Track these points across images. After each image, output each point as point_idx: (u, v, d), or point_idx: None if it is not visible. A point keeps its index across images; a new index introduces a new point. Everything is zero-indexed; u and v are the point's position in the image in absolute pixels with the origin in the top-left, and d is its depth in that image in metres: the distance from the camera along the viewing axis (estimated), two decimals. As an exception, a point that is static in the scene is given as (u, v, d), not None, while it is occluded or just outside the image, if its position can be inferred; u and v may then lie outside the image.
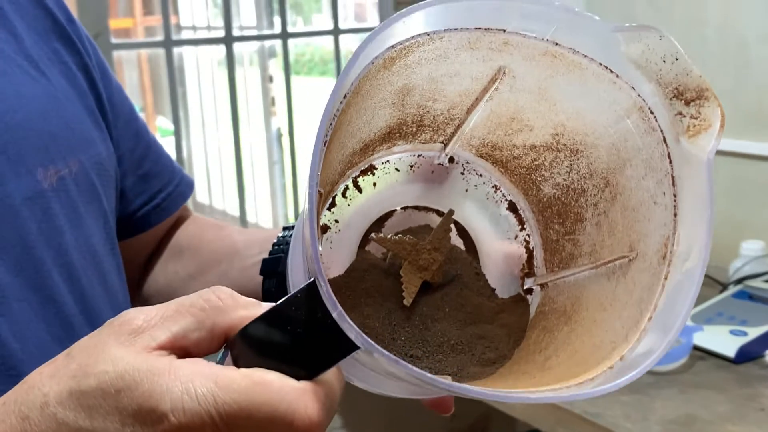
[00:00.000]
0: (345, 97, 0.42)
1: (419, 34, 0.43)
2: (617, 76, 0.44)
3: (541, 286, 0.49)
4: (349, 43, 2.56)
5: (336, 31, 2.45)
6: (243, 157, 2.36)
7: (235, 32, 2.27)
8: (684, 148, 0.42)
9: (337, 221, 0.49)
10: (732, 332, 1.36)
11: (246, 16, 3.35)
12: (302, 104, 2.51)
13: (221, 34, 2.26)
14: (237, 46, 2.32)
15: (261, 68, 3.30)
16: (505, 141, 0.48)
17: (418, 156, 0.49)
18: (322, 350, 0.39)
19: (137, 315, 0.40)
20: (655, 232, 0.43)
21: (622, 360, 0.39)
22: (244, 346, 0.40)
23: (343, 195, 0.49)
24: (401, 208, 0.50)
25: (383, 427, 2.16)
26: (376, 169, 0.49)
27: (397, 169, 0.50)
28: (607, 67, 0.44)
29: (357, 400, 2.07)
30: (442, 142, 0.49)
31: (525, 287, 0.49)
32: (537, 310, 0.48)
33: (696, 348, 1.35)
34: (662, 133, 0.43)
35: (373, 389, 0.48)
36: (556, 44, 0.44)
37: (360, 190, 0.49)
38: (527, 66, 0.45)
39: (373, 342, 0.37)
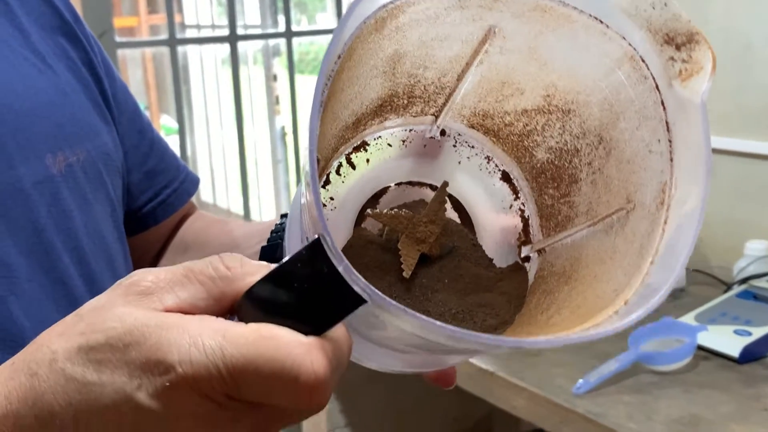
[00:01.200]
0: (339, 57, 0.41)
1: None
2: (607, 26, 0.44)
3: (538, 252, 0.49)
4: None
5: (340, 30, 2.46)
6: (247, 156, 2.37)
7: (240, 31, 2.27)
8: (677, 92, 0.42)
9: (332, 198, 0.49)
10: (736, 332, 1.36)
11: (250, 15, 3.35)
12: (306, 103, 2.51)
13: (225, 32, 2.26)
14: (241, 45, 2.32)
15: (265, 67, 3.30)
16: (496, 108, 0.48)
17: (410, 131, 0.49)
18: (329, 306, 0.39)
19: (145, 276, 0.40)
20: (651, 180, 0.43)
21: (626, 304, 0.39)
22: (250, 307, 0.40)
23: (337, 172, 0.49)
24: (395, 184, 0.50)
25: (387, 428, 2.16)
26: (368, 145, 0.49)
27: (390, 145, 0.50)
28: (596, 18, 0.44)
29: (361, 400, 2.08)
30: (433, 114, 0.49)
31: (522, 255, 0.49)
32: (536, 276, 0.49)
33: (700, 348, 1.35)
34: (654, 80, 0.43)
35: (371, 364, 0.47)
36: None
37: (353, 167, 0.49)
38: (517, 23, 0.45)
39: (380, 293, 0.36)
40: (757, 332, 1.34)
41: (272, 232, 0.71)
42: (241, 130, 2.32)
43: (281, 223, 0.71)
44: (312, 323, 0.38)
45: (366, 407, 2.13)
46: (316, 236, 0.38)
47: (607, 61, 0.44)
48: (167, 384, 0.36)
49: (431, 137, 0.49)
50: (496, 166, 0.50)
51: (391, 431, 2.17)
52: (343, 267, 0.36)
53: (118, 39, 2.03)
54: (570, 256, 0.47)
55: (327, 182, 0.48)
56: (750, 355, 1.32)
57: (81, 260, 0.65)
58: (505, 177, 0.50)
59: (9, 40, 0.67)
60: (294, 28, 2.38)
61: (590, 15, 0.44)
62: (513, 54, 0.46)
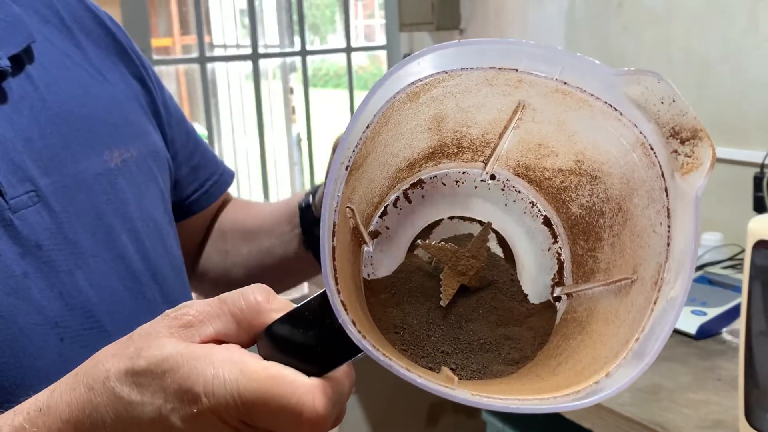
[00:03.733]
0: (368, 127, 0.41)
1: (438, 72, 0.43)
2: (621, 113, 0.43)
3: (568, 295, 0.47)
4: (359, 59, 2.56)
5: (348, 49, 2.45)
6: (267, 159, 2.37)
7: (261, 50, 2.27)
8: (678, 183, 0.41)
9: (387, 228, 0.48)
10: (693, 312, 1.36)
11: (270, 36, 3.35)
12: (319, 113, 2.52)
13: (248, 51, 2.26)
14: (262, 62, 2.32)
15: (283, 81, 3.30)
16: (536, 164, 0.47)
17: (463, 172, 0.48)
18: (331, 351, 0.39)
19: (188, 311, 0.41)
20: (652, 258, 0.42)
21: (607, 376, 0.39)
22: (267, 342, 0.41)
23: (394, 205, 0.48)
24: (448, 218, 0.48)
25: (391, 390, 2.16)
26: (424, 183, 0.48)
27: (444, 184, 0.49)
28: (611, 105, 0.43)
29: (365, 366, 2.08)
30: (482, 161, 0.48)
31: (554, 295, 0.48)
32: (561, 318, 0.47)
33: (662, 326, 1.35)
34: (661, 168, 0.42)
35: None
36: (565, 83, 0.43)
37: (409, 201, 0.48)
38: (543, 101, 0.44)
39: (370, 348, 0.37)
40: (712, 312, 1.35)
41: (304, 219, 0.76)
42: (262, 137, 2.33)
43: (306, 202, 0.77)
44: (317, 365, 0.39)
45: (375, 373, 2.13)
46: (324, 290, 0.38)
47: (623, 142, 0.43)
48: (195, 411, 0.38)
49: (482, 180, 0.48)
50: (539, 211, 0.48)
51: (401, 396, 2.17)
52: (342, 321, 0.37)
53: (155, 57, 2.04)
54: (588, 307, 0.46)
55: (384, 213, 0.48)
56: (705, 332, 1.33)
57: (137, 239, 0.66)
58: (546, 222, 0.48)
59: (71, 56, 0.69)
60: (308, 47, 2.38)
61: (605, 102, 0.43)
62: (544, 124, 0.45)
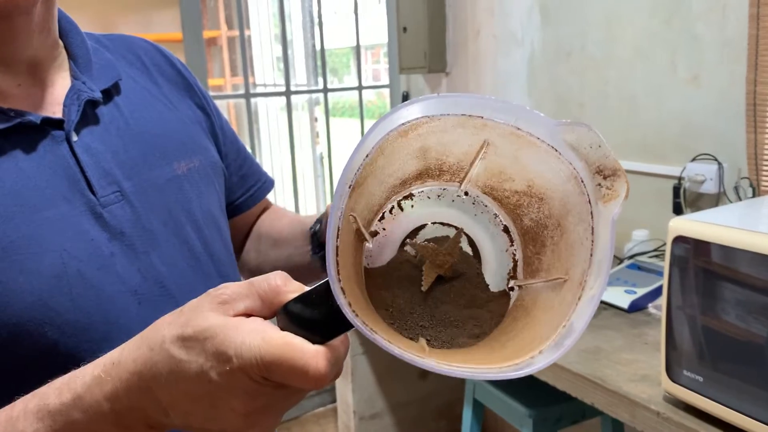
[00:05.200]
0: (367, 156, 0.42)
1: (422, 116, 0.44)
2: (560, 153, 0.43)
3: (519, 287, 0.48)
4: (368, 95, 2.56)
5: (360, 87, 2.45)
6: (297, 173, 2.37)
7: (293, 88, 2.27)
8: (600, 209, 0.42)
9: (384, 229, 0.48)
10: (626, 291, 1.36)
11: (300, 77, 3.35)
12: (337, 137, 2.51)
13: (283, 89, 2.26)
14: (294, 98, 2.32)
15: (309, 112, 3.30)
16: (498, 185, 0.48)
17: (444, 189, 0.49)
18: (331, 325, 0.40)
19: (225, 291, 0.41)
20: (579, 264, 0.42)
21: (540, 353, 0.40)
22: (284, 316, 0.41)
23: (390, 212, 0.48)
24: (432, 223, 0.49)
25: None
26: (414, 196, 0.49)
27: (429, 197, 0.49)
28: (553, 147, 0.44)
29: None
30: (458, 182, 0.49)
31: (509, 286, 0.48)
32: (513, 304, 0.48)
33: (601, 302, 1.35)
34: (588, 197, 0.42)
35: None
36: (518, 128, 0.44)
37: (402, 209, 0.49)
38: (502, 140, 0.45)
39: (359, 324, 0.38)
40: (640, 291, 1.34)
41: (316, 239, 0.75)
42: (293, 155, 2.33)
43: (315, 228, 0.75)
44: (321, 335, 0.40)
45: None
46: (326, 279, 0.39)
47: (561, 175, 0.44)
48: (227, 369, 0.38)
49: (458, 195, 0.49)
50: (500, 221, 0.49)
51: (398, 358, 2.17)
52: (339, 304, 0.38)
53: (210, 93, 2.03)
54: (532, 297, 0.46)
55: (382, 217, 0.48)
56: (635, 306, 1.33)
57: (198, 229, 0.66)
58: (506, 229, 0.49)
59: (149, 90, 0.70)
60: (329, 86, 2.38)
61: (548, 144, 0.44)
62: (503, 157, 0.46)
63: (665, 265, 0.94)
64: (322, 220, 0.75)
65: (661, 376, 0.97)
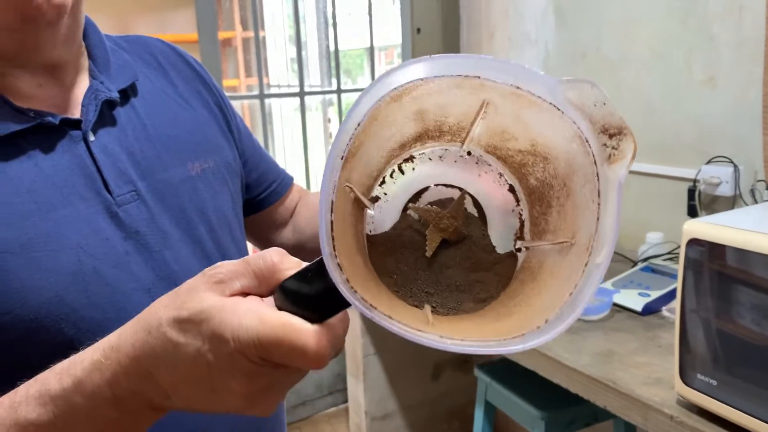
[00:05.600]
0: (359, 125, 0.40)
1: (415, 80, 0.42)
2: (562, 112, 0.41)
3: (526, 248, 0.46)
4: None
5: (373, 89, 2.46)
6: (310, 172, 2.38)
7: (306, 89, 2.28)
8: (606, 171, 0.39)
9: (385, 194, 0.46)
10: (640, 294, 1.35)
11: (313, 78, 3.36)
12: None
13: (297, 90, 2.27)
14: (307, 99, 2.33)
15: (323, 113, 3.31)
16: (501, 145, 0.46)
17: (445, 150, 0.47)
18: (329, 303, 0.39)
19: (221, 270, 0.40)
20: (586, 229, 0.40)
21: (546, 323, 0.38)
22: (281, 294, 0.40)
23: (391, 176, 0.47)
24: (434, 185, 0.47)
25: (408, 353, 2.16)
26: (414, 158, 0.47)
27: (430, 159, 0.47)
28: (555, 106, 0.41)
29: (386, 333, 2.07)
30: (460, 142, 0.47)
31: (516, 247, 0.46)
32: (520, 266, 0.46)
33: (615, 305, 1.34)
34: (593, 157, 0.40)
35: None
36: (518, 88, 0.42)
37: (402, 173, 0.47)
38: (502, 100, 0.43)
39: (356, 302, 0.36)
40: (654, 294, 1.33)
41: None
42: (306, 155, 2.33)
43: None
44: (318, 313, 0.39)
45: (390, 337, 2.13)
46: (321, 257, 0.37)
47: (565, 134, 0.42)
48: (225, 351, 0.37)
49: (461, 156, 0.47)
50: (506, 180, 0.47)
51: (410, 356, 2.17)
52: (335, 281, 0.36)
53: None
54: (539, 260, 0.44)
55: (382, 182, 0.46)
56: (649, 309, 1.32)
57: (210, 229, 0.66)
58: (511, 189, 0.47)
59: (165, 91, 0.70)
60: (342, 87, 2.38)
61: (550, 103, 0.42)
62: (505, 116, 0.44)
63: (679, 267, 0.94)
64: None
65: (674, 380, 0.97)
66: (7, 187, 0.53)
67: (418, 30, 2.26)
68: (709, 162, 1.49)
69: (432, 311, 0.42)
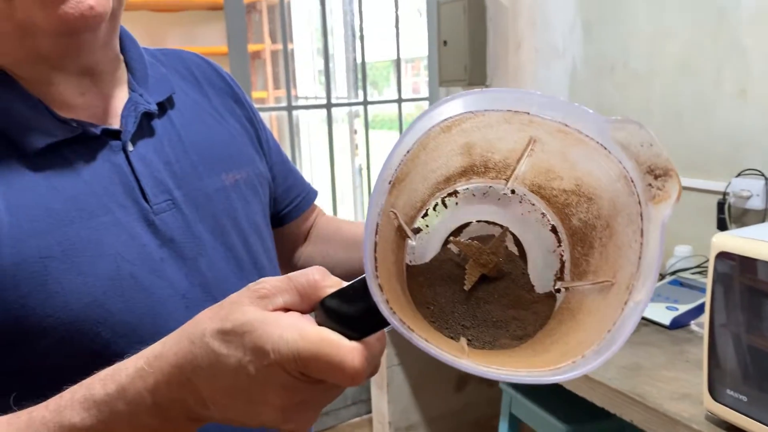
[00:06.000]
0: (408, 152, 0.41)
1: (465, 112, 0.42)
2: (609, 152, 0.42)
3: (565, 289, 0.46)
4: (408, 108, 2.57)
5: (399, 100, 2.47)
6: (336, 183, 2.40)
7: (333, 101, 2.30)
8: (650, 210, 0.40)
9: (427, 226, 0.47)
10: (667, 308, 1.33)
11: (340, 90, 3.39)
12: (376, 149, 2.54)
13: (324, 102, 2.29)
14: (334, 110, 2.35)
15: (349, 125, 3.33)
16: (546, 184, 0.46)
17: (489, 187, 0.47)
18: (368, 322, 0.39)
19: (264, 285, 0.41)
20: (627, 268, 0.40)
21: (583, 357, 0.38)
22: (321, 311, 0.41)
23: (434, 208, 0.47)
24: (476, 221, 0.47)
25: (432, 364, 2.16)
26: (458, 193, 0.47)
27: (474, 195, 0.48)
28: (602, 145, 0.42)
29: (410, 343, 2.07)
30: (504, 179, 0.47)
31: (555, 287, 0.46)
32: (559, 306, 0.46)
33: (642, 318, 1.32)
34: (638, 197, 0.41)
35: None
36: (566, 125, 0.42)
37: (446, 206, 0.47)
38: (550, 137, 0.43)
39: (395, 321, 0.37)
40: (682, 308, 1.32)
41: None
42: (333, 166, 2.36)
43: None
44: (358, 331, 0.39)
45: (414, 348, 2.13)
46: (364, 276, 0.38)
47: (611, 174, 0.42)
48: (265, 363, 0.38)
49: (504, 193, 0.47)
50: (548, 220, 0.47)
51: (434, 368, 2.17)
52: (376, 300, 0.37)
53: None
54: (579, 300, 0.44)
55: (425, 214, 0.47)
56: (677, 323, 1.30)
57: (242, 236, 0.68)
58: (553, 229, 0.47)
59: (200, 103, 0.72)
60: (369, 99, 2.40)
61: (597, 142, 0.42)
62: (551, 154, 0.45)
63: (708, 281, 0.93)
64: None
65: (703, 395, 0.95)
66: (50, 194, 0.55)
67: (445, 42, 2.28)
68: (739, 175, 1.47)
69: (467, 344, 0.42)
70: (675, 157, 1.71)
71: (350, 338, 0.39)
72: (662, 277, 1.51)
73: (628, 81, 1.76)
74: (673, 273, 1.49)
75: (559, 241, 0.47)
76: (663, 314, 1.31)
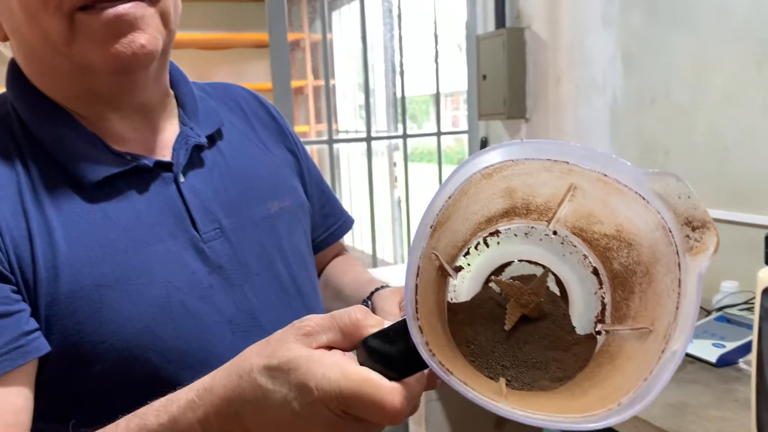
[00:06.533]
0: (449, 198, 0.42)
1: (506, 160, 0.43)
2: (647, 202, 0.42)
3: (606, 332, 0.46)
4: (447, 141, 2.59)
5: (438, 133, 2.50)
6: (375, 215, 2.42)
7: (373, 134, 2.34)
8: (687, 261, 0.40)
9: (469, 264, 0.48)
10: (714, 345, 1.29)
11: (380, 124, 3.44)
12: (415, 182, 2.55)
13: (364, 135, 2.33)
14: (374, 144, 2.38)
15: (388, 157, 3.37)
16: (587, 227, 0.47)
17: (531, 227, 0.48)
18: (408, 363, 0.40)
19: (309, 323, 0.43)
20: (665, 316, 0.41)
21: (619, 405, 0.38)
22: (363, 351, 0.42)
23: (476, 248, 0.48)
24: (518, 261, 0.48)
25: (473, 402, 2.12)
26: (500, 233, 0.48)
27: (516, 235, 0.48)
28: (640, 195, 0.43)
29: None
30: (546, 221, 0.47)
31: (596, 330, 0.46)
32: (599, 349, 0.46)
33: (687, 355, 1.29)
34: (676, 247, 0.41)
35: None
36: (605, 175, 0.43)
37: (487, 246, 0.48)
38: (589, 186, 0.44)
39: (434, 364, 0.37)
40: (730, 345, 1.28)
41: (369, 294, 0.73)
42: (372, 198, 2.38)
43: (367, 303, 0.72)
44: (398, 371, 0.40)
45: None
46: (404, 318, 0.39)
47: (649, 223, 0.43)
48: (308, 400, 0.40)
49: (546, 234, 0.47)
50: (590, 262, 0.47)
51: (473, 404, 2.13)
52: (416, 343, 0.38)
53: (296, 139, 2.12)
54: (618, 344, 0.44)
55: (467, 253, 0.48)
56: (724, 361, 1.26)
57: (288, 265, 0.69)
58: (595, 272, 0.47)
59: (247, 135, 0.75)
60: (408, 132, 2.43)
61: (636, 192, 0.43)
62: (591, 201, 0.45)
63: (755, 318, 0.90)
64: (372, 297, 0.73)
65: (752, 436, 0.92)
66: (106, 225, 0.58)
67: (484, 76, 2.30)
68: (788, 209, 1.44)
69: (506, 384, 0.43)
70: (720, 190, 1.68)
71: (391, 378, 0.40)
72: (708, 313, 1.47)
73: (671, 113, 1.74)
74: (720, 309, 1.45)
75: (601, 283, 0.47)
76: (709, 351, 1.28)
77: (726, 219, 1.59)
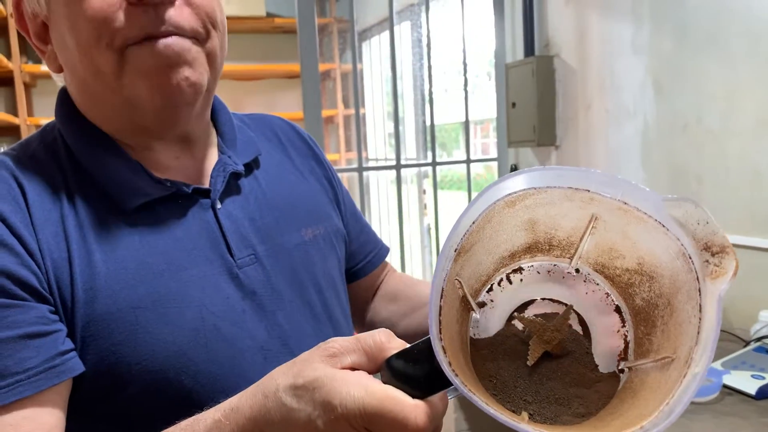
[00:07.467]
0: (474, 223, 0.43)
1: (528, 188, 0.44)
2: (667, 229, 0.43)
3: (629, 369, 0.46)
4: (476, 169, 2.59)
5: (468, 161, 2.50)
6: (404, 243, 2.42)
7: (402, 162, 2.35)
8: (707, 286, 0.40)
9: (492, 300, 0.48)
10: (753, 376, 1.26)
11: (410, 151, 3.46)
12: (444, 209, 2.56)
13: (393, 163, 2.34)
14: (403, 171, 2.40)
15: (418, 185, 3.38)
16: (609, 263, 0.47)
17: (554, 265, 0.48)
18: (431, 382, 0.41)
19: (334, 345, 0.44)
20: (686, 343, 0.41)
21: (641, 428, 0.39)
22: (386, 371, 0.43)
23: (498, 284, 0.48)
24: (540, 298, 0.48)
25: (495, 429, 2.08)
26: (523, 269, 0.48)
27: (538, 272, 0.49)
28: (660, 223, 0.43)
29: (477, 410, 2.02)
30: (568, 258, 0.48)
31: (619, 368, 0.46)
32: (622, 386, 0.46)
33: (725, 386, 1.25)
34: (696, 274, 0.41)
35: None
36: (625, 203, 0.44)
37: (510, 282, 0.48)
38: (610, 215, 0.45)
39: (456, 381, 0.38)
40: (770, 377, 1.24)
41: None
42: (401, 226, 2.38)
43: None
44: (421, 390, 0.41)
45: (484, 415, 2.06)
46: (428, 337, 0.40)
47: (670, 252, 0.43)
48: (332, 418, 0.40)
49: (569, 272, 0.48)
50: (612, 300, 0.47)
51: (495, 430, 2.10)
52: (438, 362, 0.39)
53: (326, 167, 2.14)
54: (641, 379, 0.44)
55: (490, 289, 0.48)
56: (764, 393, 1.22)
57: (319, 291, 0.70)
58: (617, 309, 0.47)
59: (283, 164, 0.77)
60: (437, 159, 2.44)
61: (655, 220, 0.43)
62: (613, 233, 0.45)
63: (794, 347, 0.88)
64: None
65: (794, 471, 0.89)
66: (145, 248, 0.60)
67: (513, 104, 2.31)
68: (828, 236, 1.40)
69: (529, 418, 0.43)
70: (755, 217, 1.65)
71: (414, 397, 0.40)
72: (746, 343, 1.43)
73: (703, 139, 1.72)
74: (759, 339, 1.41)
75: (623, 321, 0.47)
76: (749, 383, 1.24)
77: (760, 246, 1.55)
